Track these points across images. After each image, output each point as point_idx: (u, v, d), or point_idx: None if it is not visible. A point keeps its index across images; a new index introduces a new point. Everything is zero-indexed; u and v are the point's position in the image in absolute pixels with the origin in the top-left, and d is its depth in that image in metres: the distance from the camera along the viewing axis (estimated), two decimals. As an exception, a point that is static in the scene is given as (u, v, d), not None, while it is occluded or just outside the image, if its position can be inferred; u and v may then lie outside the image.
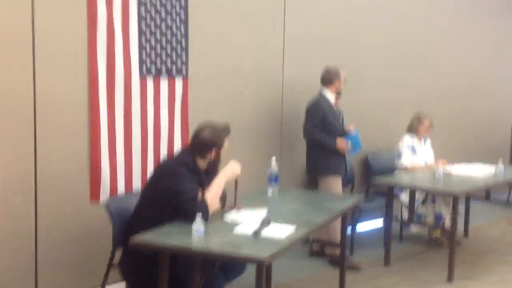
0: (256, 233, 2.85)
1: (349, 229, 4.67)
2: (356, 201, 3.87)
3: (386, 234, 4.92)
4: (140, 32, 3.98)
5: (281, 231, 2.91)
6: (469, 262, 4.96)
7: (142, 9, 3.98)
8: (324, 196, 4.24)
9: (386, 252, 4.84)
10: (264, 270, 2.64)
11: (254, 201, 3.62)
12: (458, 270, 4.57)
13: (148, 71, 4.05)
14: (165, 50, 4.14)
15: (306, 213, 3.42)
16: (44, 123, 3.57)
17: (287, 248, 2.77)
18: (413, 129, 5.54)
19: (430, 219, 5.32)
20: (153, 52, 4.06)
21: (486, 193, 6.01)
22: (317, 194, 4.34)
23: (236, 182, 3.36)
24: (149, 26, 4.03)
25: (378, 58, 5.98)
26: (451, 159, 5.58)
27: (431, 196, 5.25)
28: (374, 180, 5.07)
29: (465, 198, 5.72)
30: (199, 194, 3.13)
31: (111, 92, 3.86)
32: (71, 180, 3.74)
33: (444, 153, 5.82)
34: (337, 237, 4.56)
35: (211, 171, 3.37)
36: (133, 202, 3.38)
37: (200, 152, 3.28)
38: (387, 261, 4.83)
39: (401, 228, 5.51)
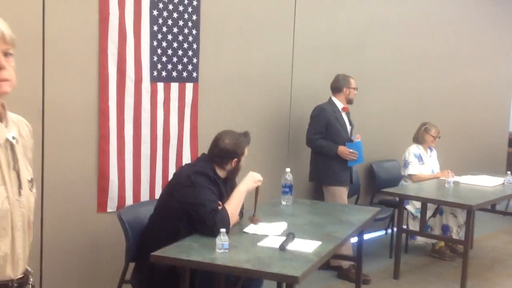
0: (283, 249, 2.74)
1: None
2: (375, 213, 3.77)
3: (396, 246, 4.82)
4: (152, 36, 3.82)
5: (307, 246, 2.80)
6: (477, 276, 4.88)
7: (155, 12, 3.83)
8: (338, 207, 4.12)
9: (396, 265, 4.75)
10: (294, 288, 2.52)
11: (269, 213, 3.52)
12: (468, 284, 4.50)
13: (159, 76, 3.90)
14: (177, 54, 4.00)
15: (326, 226, 3.30)
16: (52, 129, 3.41)
17: (316, 265, 2.66)
18: (419, 139, 5.46)
19: (437, 230, 5.25)
20: (164, 57, 3.92)
21: (492, 204, 5.95)
22: (330, 205, 4.22)
23: (257, 190, 3.23)
24: (161, 30, 3.88)
25: (383, 67, 5.95)
26: (450, 169, 5.51)
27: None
28: (381, 191, 4.96)
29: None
30: (219, 206, 3.01)
31: (121, 98, 3.69)
32: (79, 189, 3.58)
33: (443, 162, 5.75)
34: (348, 250, 4.47)
35: (229, 180, 3.26)
36: (145, 212, 3.25)
37: (220, 161, 3.16)
38: (396, 274, 4.74)
39: (406, 239, 5.43)
